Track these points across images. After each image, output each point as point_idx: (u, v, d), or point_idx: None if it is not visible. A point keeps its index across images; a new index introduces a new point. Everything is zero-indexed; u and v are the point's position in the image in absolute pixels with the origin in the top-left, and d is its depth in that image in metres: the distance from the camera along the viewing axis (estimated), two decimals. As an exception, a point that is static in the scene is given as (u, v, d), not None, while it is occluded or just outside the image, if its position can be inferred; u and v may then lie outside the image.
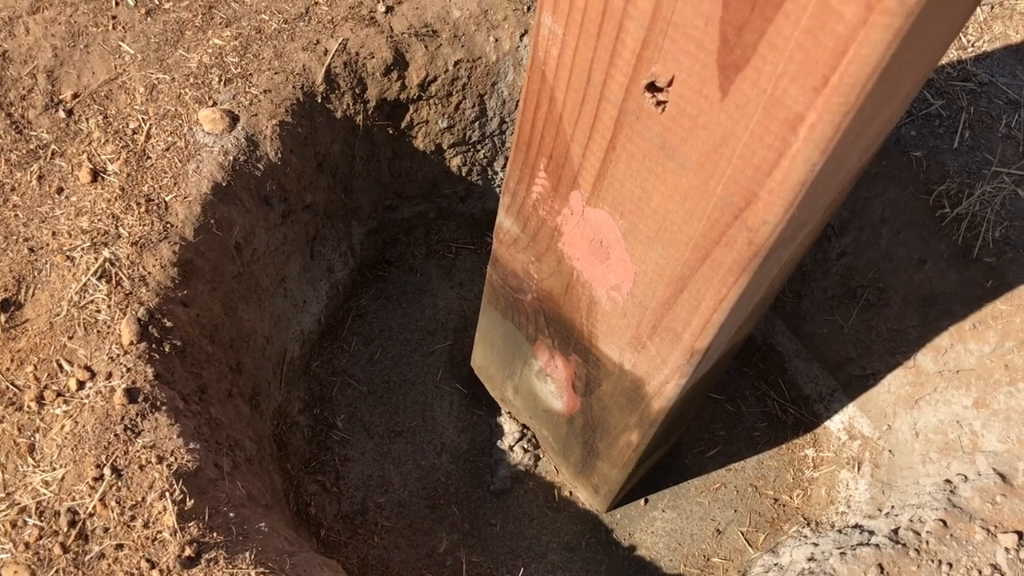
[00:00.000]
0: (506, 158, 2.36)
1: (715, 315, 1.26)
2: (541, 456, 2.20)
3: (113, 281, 1.60)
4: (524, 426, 2.20)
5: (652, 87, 1.05)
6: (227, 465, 1.65)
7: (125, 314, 1.57)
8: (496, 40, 2.07)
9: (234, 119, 1.84)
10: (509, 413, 2.22)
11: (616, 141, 1.17)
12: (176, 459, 1.50)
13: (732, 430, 2.37)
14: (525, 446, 2.17)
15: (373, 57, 1.98)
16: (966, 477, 1.88)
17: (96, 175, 1.75)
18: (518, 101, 2.19)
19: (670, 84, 1.03)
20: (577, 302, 1.55)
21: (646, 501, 2.20)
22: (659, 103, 1.06)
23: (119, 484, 1.44)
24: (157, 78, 1.90)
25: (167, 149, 1.79)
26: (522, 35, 2.07)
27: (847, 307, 2.21)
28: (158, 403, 1.53)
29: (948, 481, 1.90)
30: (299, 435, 2.14)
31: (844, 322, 2.20)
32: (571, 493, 2.17)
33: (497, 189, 2.45)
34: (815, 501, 2.28)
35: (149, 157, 1.78)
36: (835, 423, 2.32)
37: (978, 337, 1.96)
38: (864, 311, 2.14)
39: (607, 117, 1.15)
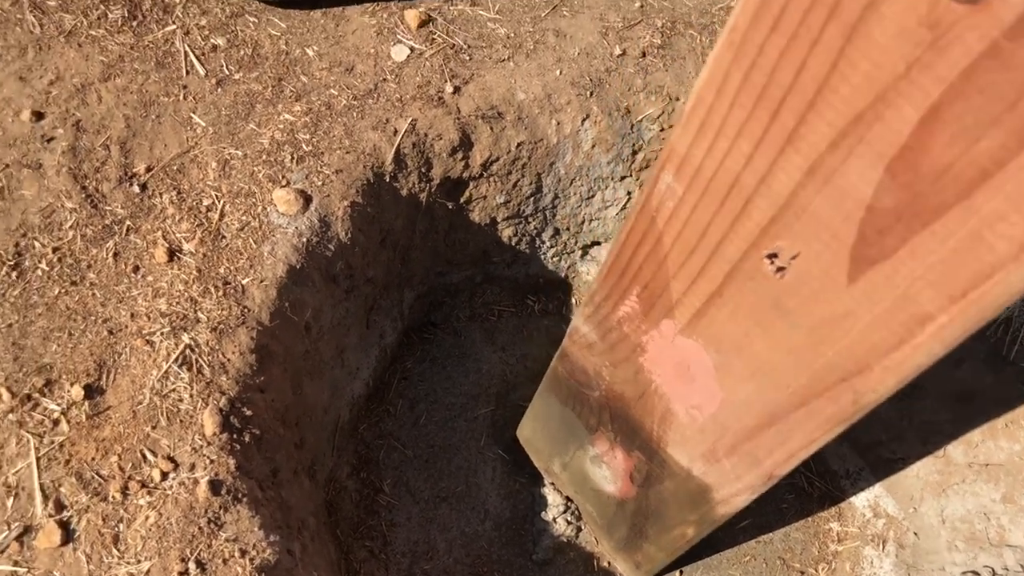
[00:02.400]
0: (555, 229, 2.39)
1: (802, 452, 1.30)
2: (583, 528, 2.23)
3: (194, 369, 1.62)
4: (568, 498, 2.23)
5: (772, 256, 1.09)
6: (298, 550, 1.67)
7: (207, 404, 1.59)
8: (558, 123, 2.10)
9: (307, 200, 1.86)
10: (552, 484, 2.25)
11: (724, 291, 1.21)
12: (257, 552, 1.52)
13: (762, 501, 2.41)
14: (568, 518, 2.21)
15: (441, 138, 2.00)
16: (994, 571, 1.94)
17: (172, 254, 1.76)
18: (572, 179, 2.22)
19: (794, 258, 1.06)
20: (651, 409, 1.58)
21: (681, 573, 2.25)
22: (779, 270, 1.10)
23: (203, 578, 1.46)
24: (229, 153, 1.92)
25: (241, 229, 1.81)
26: (583, 119, 2.10)
27: (880, 390, 2.26)
28: (239, 495, 1.55)
29: (976, 573, 1.96)
30: (348, 500, 2.17)
31: (878, 409, 2.24)
32: (609, 564, 2.21)
33: (542, 256, 2.48)
34: (842, 576, 2.34)
35: (224, 236, 1.80)
36: (860, 500, 2.38)
37: (1010, 436, 2.02)
38: (899, 400, 2.20)
39: (717, 270, 1.19)
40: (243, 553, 1.50)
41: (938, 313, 0.94)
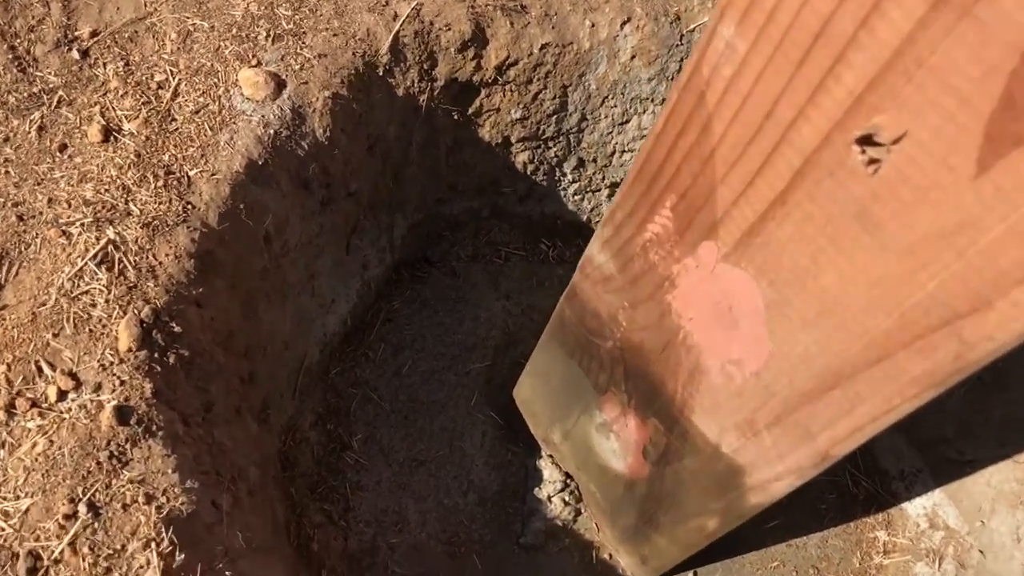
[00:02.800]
0: (579, 159, 2.12)
1: (871, 425, 1.04)
2: (583, 511, 1.98)
3: (116, 269, 1.37)
4: (567, 475, 1.97)
5: (866, 140, 0.82)
6: (227, 503, 1.43)
7: (126, 312, 1.34)
8: (592, 25, 1.82)
9: (280, 85, 1.60)
10: (551, 457, 1.99)
11: (789, 196, 0.93)
12: (168, 499, 1.27)
13: (795, 499, 2.13)
14: (566, 498, 1.95)
15: (449, 29, 1.73)
16: (1079, 604, 1.66)
17: (108, 134, 1.51)
18: (605, 98, 1.95)
19: (896, 142, 0.79)
20: (676, 366, 1.32)
21: (695, 574, 1.99)
22: (871, 161, 0.82)
23: (96, 526, 1.22)
24: (194, 24, 1.66)
25: (196, 112, 1.56)
26: (623, 23, 1.82)
27: (951, 380, 1.98)
28: (154, 427, 1.31)
29: (1056, 605, 1.69)
30: (308, 453, 1.92)
31: (946, 397, 1.96)
32: (611, 556, 1.95)
33: (562, 192, 2.21)
34: (885, 595, 2.07)
35: (174, 119, 1.55)
36: (915, 507, 2.10)
37: (1114, 442, 1.73)
38: (973, 390, 1.92)
39: (784, 165, 0.91)
40: (149, 499, 1.26)
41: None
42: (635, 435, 1.56)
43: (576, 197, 2.23)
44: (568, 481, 1.97)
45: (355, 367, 2.07)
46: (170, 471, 1.30)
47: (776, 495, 1.30)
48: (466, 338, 2.16)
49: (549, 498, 1.96)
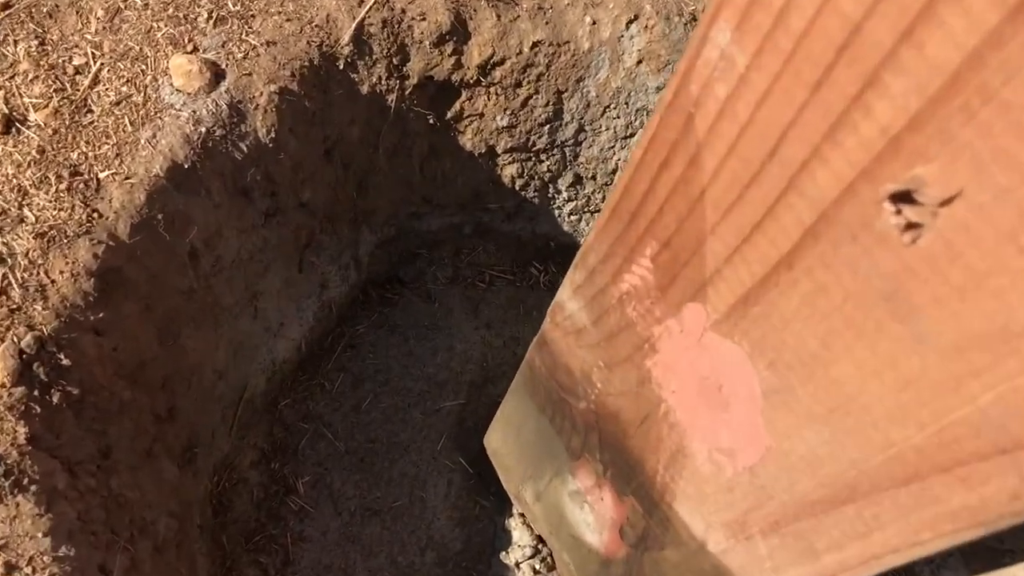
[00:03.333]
0: (576, 175, 1.91)
1: (891, 556, 0.83)
2: (555, 581, 1.77)
3: (-3, 286, 1.18)
4: (540, 539, 1.77)
5: (904, 198, 0.61)
6: (120, 567, 1.24)
7: (3, 340, 1.15)
8: (594, 23, 1.61)
9: (218, 75, 1.41)
10: (522, 516, 1.79)
11: (797, 260, 0.72)
12: (35, 570, 1.09)
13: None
14: (536, 566, 1.74)
15: (424, 19, 1.53)
16: None
17: (10, 124, 1.33)
18: (606, 107, 1.74)
19: (946, 203, 0.58)
20: (656, 443, 1.11)
21: (682, 660, 1.77)
22: (909, 226, 0.61)
23: (-59, 601, 1.03)
24: (125, 0, 1.47)
25: (117, 103, 1.37)
26: (630, 21, 1.61)
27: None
28: (26, 480, 1.12)
29: None
30: (246, 496, 1.73)
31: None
32: (586, 635, 1.74)
33: (556, 211, 2.00)
34: None
35: (90, 111, 1.36)
36: (943, 594, 1.87)
37: None
38: (1020, 467, 1.69)
39: (791, 219, 0.70)
40: (10, 568, 1.08)
41: None
42: (611, 511, 1.35)
43: (572, 218, 2.02)
44: (540, 547, 1.77)
45: (308, 399, 1.87)
46: (41, 534, 1.12)
47: (771, 611, 1.08)
48: (437, 372, 1.96)
49: (518, 564, 1.75)
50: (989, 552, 1.79)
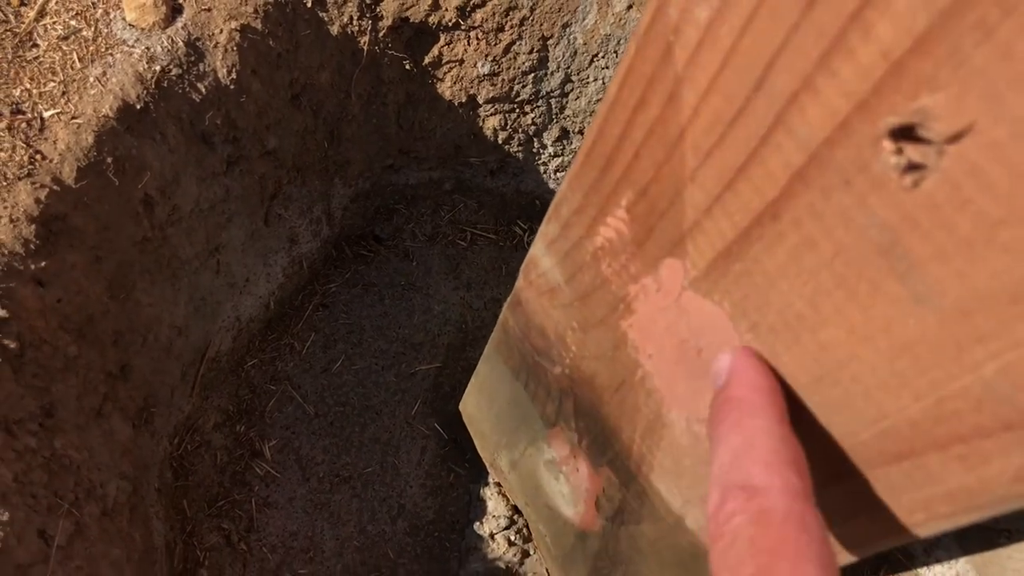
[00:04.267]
0: (562, 129, 1.82)
1: (884, 540, 0.76)
2: (532, 552, 1.71)
3: (-73, 231, 1.11)
4: (515, 509, 1.71)
5: (906, 134, 0.53)
6: (63, 532, 1.18)
7: (-68, 288, 1.08)
8: (581, -37, 1.52)
9: (175, 10, 1.32)
10: (498, 485, 1.73)
11: (784, 209, 0.65)
12: (-37, 534, 1.02)
13: (792, 550, 1.88)
14: (512, 537, 1.68)
15: (399, -45, 1.44)
16: None
17: (-52, 58, 1.24)
18: (594, 56, 1.65)
19: (954, 139, 0.50)
20: (632, 411, 1.04)
21: (661, 635, 1.73)
22: (912, 168, 0.54)
23: None
24: (77, -72, 1.38)
25: (65, 38, 1.28)
26: (620, -37, 1.52)
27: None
28: (-47, 439, 1.05)
29: None
30: (209, 460, 1.67)
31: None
32: (562, 608, 1.69)
33: (542, 167, 1.92)
34: (888, 674, 1.81)
35: (36, 45, 1.27)
36: (934, 574, 1.83)
37: None
38: (1018, 443, 1.63)
39: (778, 162, 0.63)
40: (-64, 533, 1.01)
41: None
42: (587, 482, 1.29)
43: (559, 174, 1.94)
44: (515, 517, 1.71)
45: (276, 359, 1.80)
46: (-28, 497, 1.05)
47: (750, 591, 1.02)
48: (414, 333, 1.89)
49: (492, 535, 1.69)
50: (984, 532, 1.73)
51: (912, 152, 0.53)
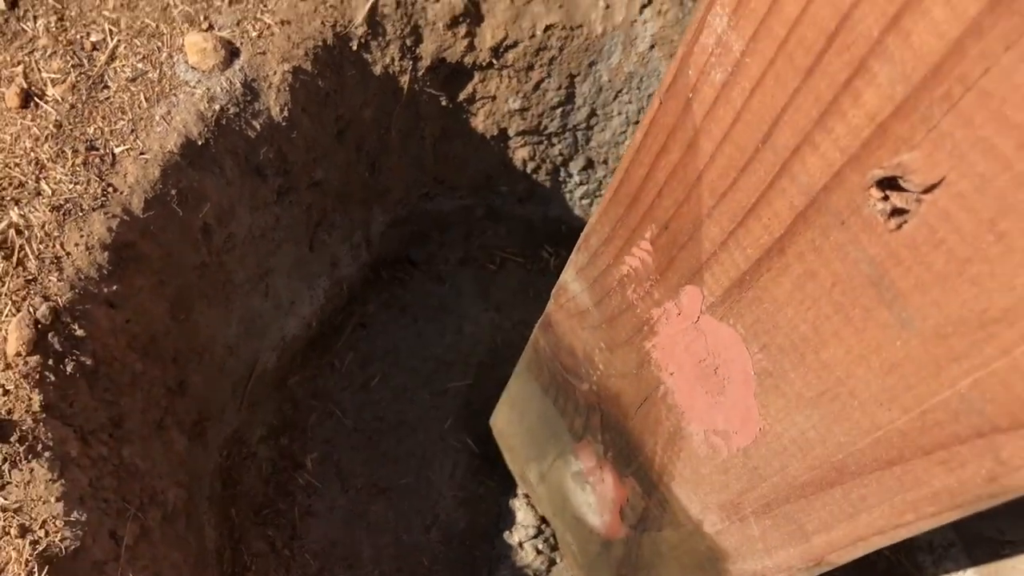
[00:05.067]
0: (588, 159, 1.93)
1: (877, 537, 0.85)
2: (558, 561, 1.80)
3: (15, 258, 1.22)
4: (543, 519, 1.80)
5: (890, 184, 0.62)
6: (131, 534, 1.28)
7: (19, 310, 1.19)
8: (607, 7, 1.62)
9: (232, 53, 1.43)
10: (527, 497, 1.82)
11: (789, 245, 0.74)
12: (48, 533, 1.13)
13: (808, 563, 1.95)
14: (539, 546, 1.77)
15: (438, 1, 1.55)
16: None
17: (29, 99, 1.36)
18: (618, 92, 1.75)
19: (929, 190, 0.60)
20: (655, 424, 1.13)
21: (681, 642, 1.80)
22: (895, 213, 0.63)
23: (-43, 560, 1.07)
24: (143, -22, 1.50)
25: (133, 80, 1.40)
26: (643, 6, 1.62)
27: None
28: (39, 446, 1.16)
29: None
30: (255, 471, 1.77)
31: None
32: (587, 615, 1.77)
33: (568, 195, 2.02)
34: None
35: (107, 86, 1.39)
36: (945, 585, 1.89)
37: None
38: None
39: (783, 204, 0.72)
40: (24, 531, 1.12)
41: None
42: (612, 492, 1.38)
43: (584, 202, 2.04)
44: (543, 527, 1.80)
45: (318, 377, 1.91)
46: (54, 499, 1.15)
47: (764, 591, 1.11)
48: (446, 352, 1.99)
49: (521, 544, 1.78)
50: (990, 543, 1.80)
51: (896, 199, 0.63)
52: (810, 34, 0.62)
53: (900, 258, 0.64)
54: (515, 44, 1.62)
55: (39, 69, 1.39)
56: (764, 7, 0.65)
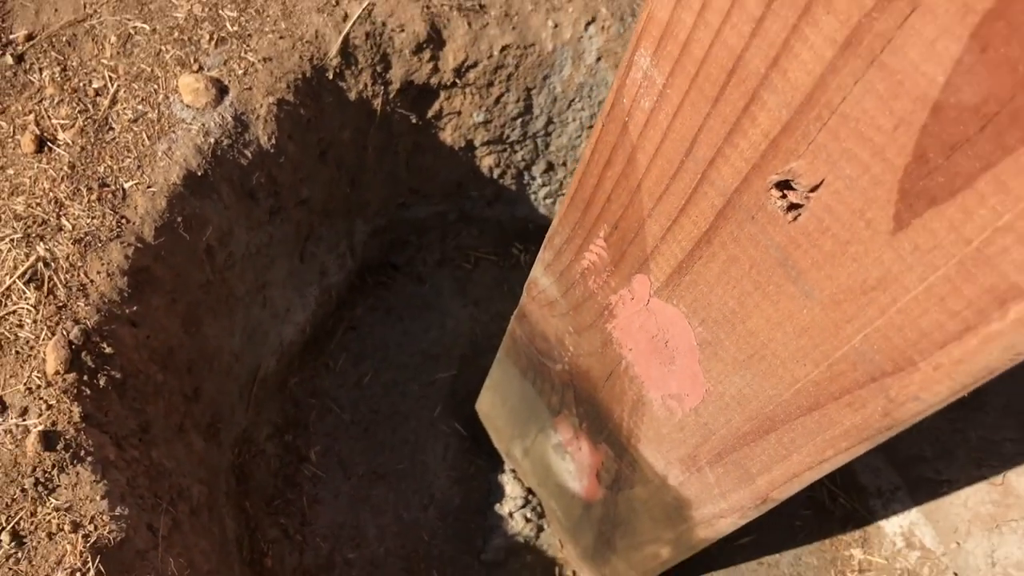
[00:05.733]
0: (548, 163, 2.07)
1: (808, 473, 1.00)
2: (545, 527, 1.94)
3: (45, 288, 1.34)
4: (529, 491, 1.94)
5: (785, 185, 0.77)
6: (165, 526, 1.41)
7: (54, 333, 1.31)
8: (556, 26, 1.76)
9: (222, 91, 1.56)
10: (513, 471, 1.96)
11: (714, 236, 0.89)
12: (96, 527, 1.25)
13: (769, 516, 2.10)
14: (528, 515, 1.92)
15: (403, 30, 1.68)
16: (1053, 632, 1.62)
17: (43, 144, 1.47)
18: (571, 100, 1.89)
19: (814, 190, 0.74)
20: (620, 394, 1.27)
21: (661, 592, 1.96)
22: (791, 207, 0.78)
23: (20, 555, 1.19)
24: (135, 27, 1.61)
25: (135, 120, 1.51)
26: (588, 23, 1.76)
27: (931, 394, 1.93)
28: (82, 452, 1.28)
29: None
30: (264, 466, 1.89)
31: (924, 417, 1.91)
32: (574, 574, 1.92)
33: (532, 196, 2.16)
34: (859, 615, 2.03)
35: (111, 128, 1.50)
36: (892, 525, 2.06)
37: (1093, 466, 1.69)
38: (951, 409, 1.86)
39: (706, 204, 0.87)
40: (76, 527, 1.24)
41: (1033, 287, 0.62)
42: (589, 458, 1.52)
43: (547, 201, 2.18)
44: (530, 497, 1.94)
45: (315, 377, 2.04)
46: (99, 497, 1.27)
47: (722, 531, 1.26)
48: (431, 347, 2.12)
49: (511, 514, 1.92)
50: (929, 483, 1.96)
51: (791, 197, 0.77)
52: (714, 71, 0.77)
53: (799, 243, 0.79)
54: (475, 64, 1.76)
55: (49, 116, 1.50)
56: (677, 50, 0.79)
